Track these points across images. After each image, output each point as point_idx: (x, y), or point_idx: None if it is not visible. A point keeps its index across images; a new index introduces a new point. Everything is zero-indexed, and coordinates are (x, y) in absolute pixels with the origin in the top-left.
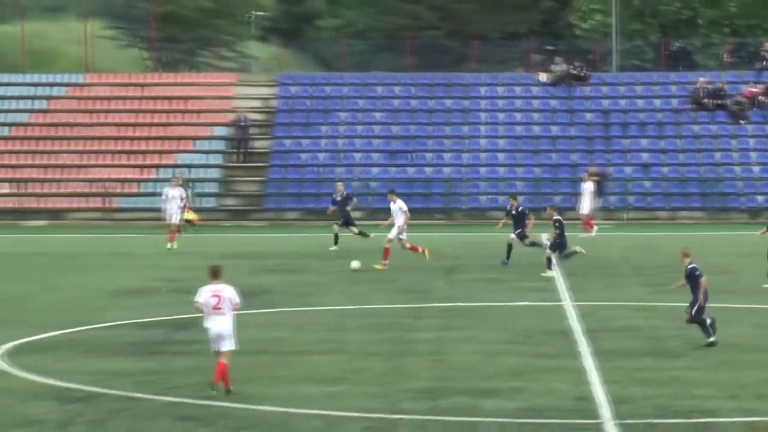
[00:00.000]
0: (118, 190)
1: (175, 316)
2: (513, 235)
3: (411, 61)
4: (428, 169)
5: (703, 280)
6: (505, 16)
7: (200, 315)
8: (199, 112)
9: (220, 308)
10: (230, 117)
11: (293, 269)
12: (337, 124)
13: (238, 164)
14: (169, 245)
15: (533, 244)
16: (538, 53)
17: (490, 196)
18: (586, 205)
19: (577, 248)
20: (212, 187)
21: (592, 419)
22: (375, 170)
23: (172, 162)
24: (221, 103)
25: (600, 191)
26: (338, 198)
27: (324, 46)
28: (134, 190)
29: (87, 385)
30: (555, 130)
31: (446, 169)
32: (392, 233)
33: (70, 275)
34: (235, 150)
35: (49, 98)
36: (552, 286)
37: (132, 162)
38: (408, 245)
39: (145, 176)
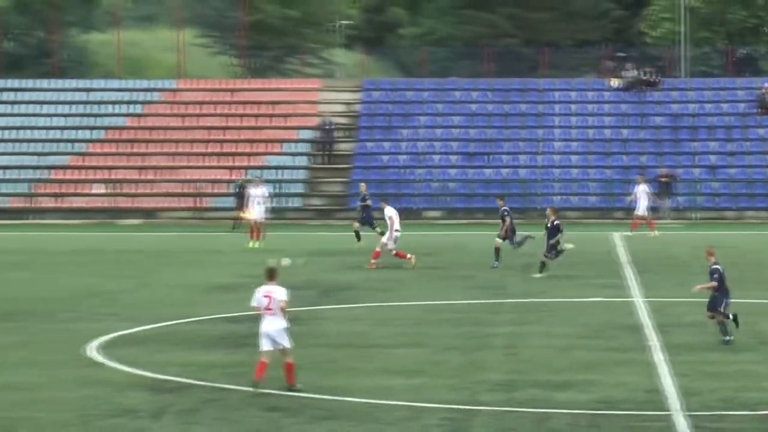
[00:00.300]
0: (208, 191)
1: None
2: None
3: (488, 68)
4: (504, 171)
5: (714, 282)
6: (577, 25)
7: (288, 309)
8: (286, 116)
9: (270, 308)
10: (316, 121)
11: (377, 266)
12: (417, 127)
13: (323, 166)
14: (251, 244)
15: (520, 244)
16: (610, 60)
17: (563, 197)
18: (642, 206)
19: (568, 245)
20: (298, 188)
21: (662, 411)
22: (453, 172)
23: (260, 164)
24: (307, 108)
25: (669, 192)
26: (363, 197)
27: (405, 54)
28: (223, 190)
29: (178, 376)
30: (626, 133)
31: (522, 171)
32: (385, 238)
33: (162, 272)
34: (320, 152)
35: (143, 103)
36: (623, 284)
37: (222, 163)
38: (394, 252)
39: (234, 177)
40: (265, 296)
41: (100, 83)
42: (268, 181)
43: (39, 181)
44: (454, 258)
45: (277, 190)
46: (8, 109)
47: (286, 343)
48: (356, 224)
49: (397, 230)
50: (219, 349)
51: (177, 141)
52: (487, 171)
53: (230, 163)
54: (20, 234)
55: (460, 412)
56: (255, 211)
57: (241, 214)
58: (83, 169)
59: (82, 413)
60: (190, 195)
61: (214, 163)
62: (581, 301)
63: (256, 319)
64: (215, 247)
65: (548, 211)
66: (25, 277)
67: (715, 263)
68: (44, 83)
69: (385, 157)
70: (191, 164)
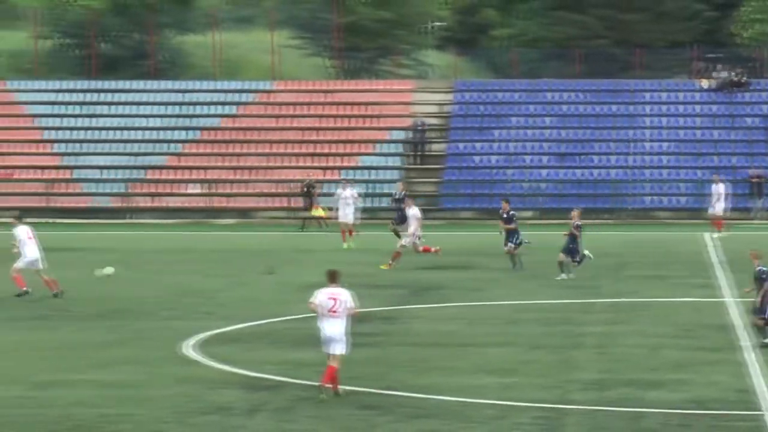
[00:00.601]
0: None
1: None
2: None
3: (579, 69)
4: (596, 171)
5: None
6: (668, 26)
7: (379, 309)
8: (379, 117)
9: (335, 311)
10: (408, 122)
11: (467, 266)
12: (509, 128)
13: (416, 166)
14: (345, 244)
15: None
16: (701, 61)
17: (654, 197)
18: (720, 206)
19: (586, 252)
20: (391, 188)
21: (753, 411)
22: (545, 172)
23: (353, 164)
24: (400, 109)
25: (761, 193)
26: (397, 197)
27: (497, 55)
28: (317, 190)
29: (273, 374)
30: (716, 134)
31: (613, 171)
32: (405, 239)
33: (257, 270)
34: (413, 153)
35: (238, 104)
36: (715, 284)
37: (315, 164)
38: (421, 248)
39: (327, 177)
40: (331, 298)
41: (196, 84)
42: (360, 182)
43: (135, 181)
44: (545, 258)
45: (369, 191)
46: (105, 110)
47: (341, 349)
48: (392, 224)
49: (418, 235)
50: (313, 348)
51: (271, 141)
52: (579, 171)
53: (324, 164)
54: (117, 233)
55: (552, 410)
56: (345, 212)
57: (311, 214)
58: (179, 169)
59: (178, 410)
60: (284, 195)
61: (308, 164)
62: (673, 300)
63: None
64: (309, 247)
65: (574, 213)
66: (124, 276)
67: (759, 265)
68: (140, 84)
69: (476, 158)
70: (285, 164)
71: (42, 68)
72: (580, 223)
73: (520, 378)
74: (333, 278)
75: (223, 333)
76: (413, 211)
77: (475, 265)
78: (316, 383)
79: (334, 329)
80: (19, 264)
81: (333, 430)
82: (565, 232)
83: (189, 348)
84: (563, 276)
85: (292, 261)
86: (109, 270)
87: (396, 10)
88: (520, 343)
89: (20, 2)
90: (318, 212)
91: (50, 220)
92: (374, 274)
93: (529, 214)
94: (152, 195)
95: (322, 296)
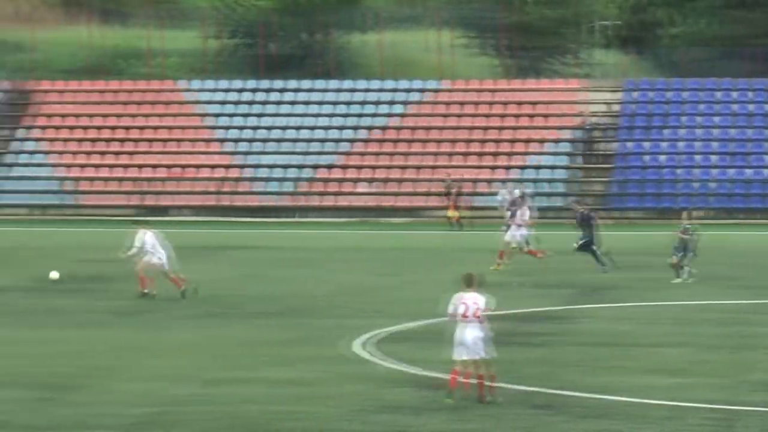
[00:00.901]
0: (470, 190)
1: (522, 310)
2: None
3: (749, 67)
4: (765, 171)
5: None
6: None
7: (549, 309)
8: (546, 116)
9: (467, 316)
10: (576, 121)
11: (638, 266)
12: (677, 127)
13: (584, 166)
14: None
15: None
16: None
17: None
18: None
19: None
20: (559, 188)
21: None
22: (714, 172)
23: (521, 163)
24: (567, 108)
25: None
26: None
27: (666, 54)
28: (485, 189)
29: (443, 373)
30: None
31: None
32: (509, 236)
33: (429, 269)
34: (581, 152)
35: (406, 103)
36: None
37: (483, 163)
38: (526, 250)
39: (496, 176)
40: (462, 303)
41: (363, 84)
42: (528, 181)
43: (304, 180)
44: (716, 258)
45: (537, 190)
46: (274, 109)
47: (482, 352)
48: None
49: (522, 232)
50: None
51: (439, 140)
52: (748, 171)
53: (491, 163)
54: (287, 232)
55: (724, 412)
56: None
57: (449, 213)
58: (347, 168)
59: (350, 409)
60: (449, 194)
61: (476, 163)
62: None
63: (516, 318)
64: (479, 245)
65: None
66: (298, 274)
67: None
68: (309, 84)
69: (645, 157)
70: (453, 164)
71: (212, 68)
72: (689, 225)
73: (692, 378)
74: (468, 282)
75: (394, 331)
76: (524, 212)
77: (646, 265)
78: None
79: (469, 335)
80: (151, 263)
81: (503, 429)
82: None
83: (360, 346)
84: (682, 277)
85: (462, 260)
86: (54, 275)
87: (563, 9)
88: (693, 344)
89: (190, 3)
90: (453, 213)
91: (221, 219)
92: (544, 273)
93: (698, 213)
94: (321, 194)
95: (456, 301)
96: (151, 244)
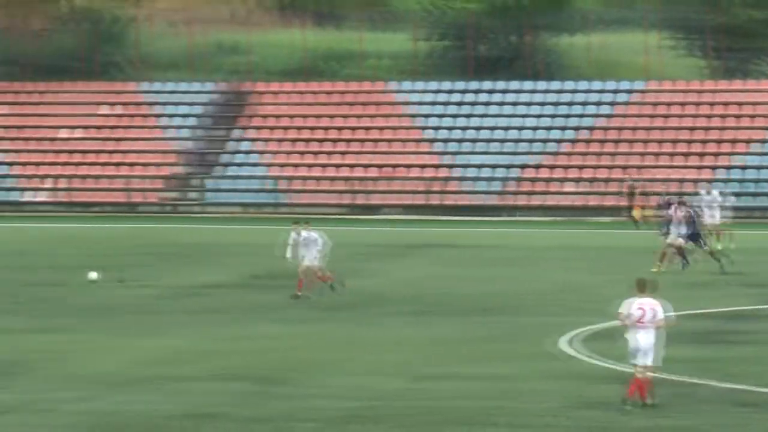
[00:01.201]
0: (674, 190)
1: (730, 308)
2: (680, 239)
3: None
4: None
5: None
6: None
7: (756, 307)
8: (753, 116)
9: (643, 322)
10: None
11: None
12: None
13: None
14: (718, 245)
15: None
16: None
17: None
18: None
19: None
20: (765, 188)
21: None
22: None
23: (726, 163)
24: None
25: None
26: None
27: None
28: (691, 189)
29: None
30: None
31: None
32: (671, 238)
33: (634, 267)
34: None
35: (612, 104)
36: None
37: (689, 163)
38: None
39: (702, 176)
40: (639, 308)
41: (571, 85)
42: (734, 181)
43: (512, 179)
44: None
45: (743, 190)
46: (482, 110)
47: (649, 360)
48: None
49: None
50: (688, 344)
51: (645, 141)
52: None
53: (697, 163)
54: (495, 231)
55: None
56: (712, 214)
57: (634, 213)
58: (554, 168)
59: (556, 404)
60: (656, 194)
61: (682, 163)
62: None
63: (723, 316)
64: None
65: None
66: (504, 272)
67: None
68: (517, 85)
69: None
70: (660, 164)
71: (422, 70)
72: None
73: None
74: (643, 288)
75: (600, 329)
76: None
77: None
78: (691, 380)
79: (645, 340)
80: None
81: (707, 426)
82: None
83: (566, 343)
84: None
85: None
86: (93, 275)
87: None
88: None
89: (402, 5)
90: (637, 213)
91: (430, 218)
92: (747, 273)
93: None
94: (528, 193)
95: (631, 307)
96: (304, 244)
